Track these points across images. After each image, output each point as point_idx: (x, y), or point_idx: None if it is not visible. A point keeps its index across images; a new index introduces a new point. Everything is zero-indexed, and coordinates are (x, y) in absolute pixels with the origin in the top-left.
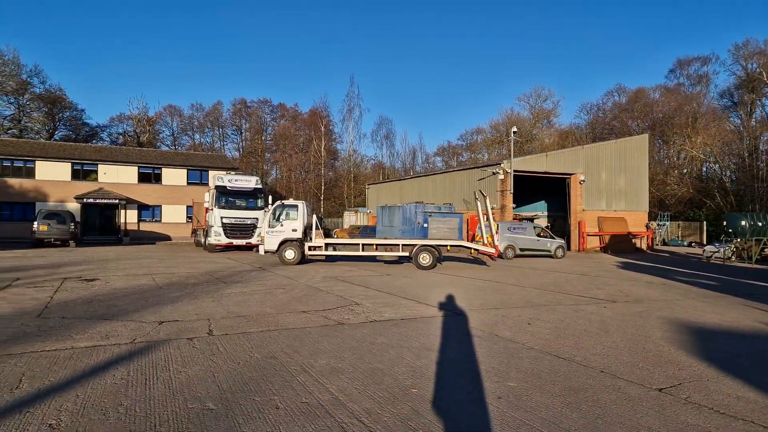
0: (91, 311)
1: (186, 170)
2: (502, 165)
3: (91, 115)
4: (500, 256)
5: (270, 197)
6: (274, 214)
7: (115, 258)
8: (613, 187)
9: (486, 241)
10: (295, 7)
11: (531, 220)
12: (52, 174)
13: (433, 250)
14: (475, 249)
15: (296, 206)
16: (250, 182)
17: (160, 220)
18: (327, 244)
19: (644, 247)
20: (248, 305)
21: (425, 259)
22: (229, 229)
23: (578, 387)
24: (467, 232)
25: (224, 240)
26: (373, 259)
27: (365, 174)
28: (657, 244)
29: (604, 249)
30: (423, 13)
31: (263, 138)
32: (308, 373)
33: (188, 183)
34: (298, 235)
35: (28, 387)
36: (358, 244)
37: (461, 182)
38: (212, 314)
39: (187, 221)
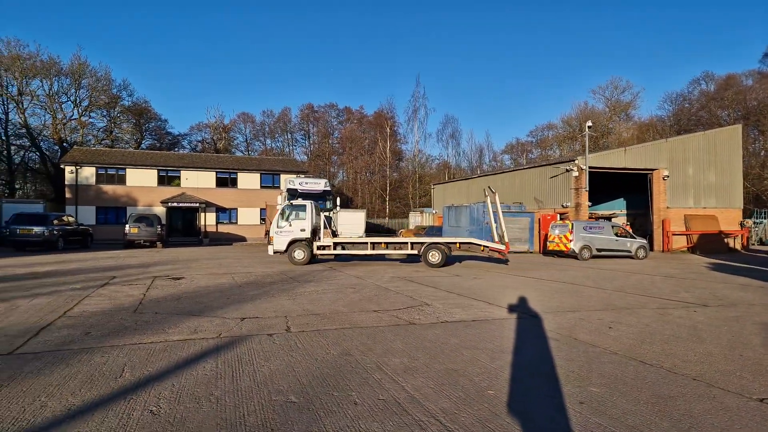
0: (180, 307)
1: (259, 174)
2: (576, 161)
3: (174, 125)
4: (575, 256)
5: (338, 199)
6: (282, 214)
7: (197, 258)
8: (702, 182)
9: (497, 238)
10: (359, 11)
11: (608, 218)
12: (140, 180)
13: (443, 247)
14: (485, 246)
15: (304, 206)
16: (319, 185)
17: (236, 222)
18: (336, 243)
19: (738, 247)
20: (321, 303)
21: (435, 257)
22: None
23: (668, 395)
24: (539, 232)
25: None
26: (383, 257)
27: (430, 174)
28: (753, 244)
29: (692, 249)
30: (487, 10)
31: (330, 141)
32: (383, 371)
33: (261, 187)
34: (307, 234)
35: (130, 376)
36: (367, 243)
37: (532, 180)
38: (289, 312)
39: (260, 223)
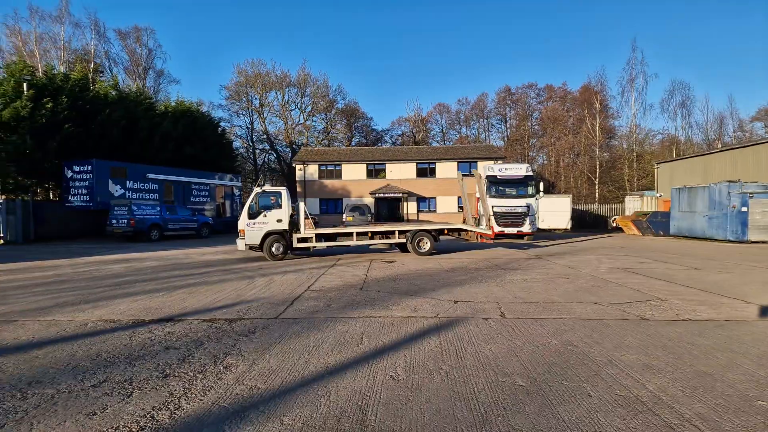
0: (397, 287)
1: (456, 163)
2: None
3: (377, 122)
4: None
5: (540, 184)
6: (255, 203)
7: None
8: None
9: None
10: None
11: None
12: (352, 174)
13: (433, 234)
14: (471, 231)
15: (279, 193)
16: (521, 170)
17: (435, 211)
18: (318, 235)
19: None
20: (533, 292)
21: (424, 244)
22: (501, 218)
23: None
24: None
25: (496, 229)
26: (372, 248)
27: (651, 152)
28: None
29: None
30: None
31: (529, 123)
32: (616, 366)
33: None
34: (284, 225)
35: (367, 344)
36: (352, 233)
37: None
38: (500, 298)
39: (458, 211)
